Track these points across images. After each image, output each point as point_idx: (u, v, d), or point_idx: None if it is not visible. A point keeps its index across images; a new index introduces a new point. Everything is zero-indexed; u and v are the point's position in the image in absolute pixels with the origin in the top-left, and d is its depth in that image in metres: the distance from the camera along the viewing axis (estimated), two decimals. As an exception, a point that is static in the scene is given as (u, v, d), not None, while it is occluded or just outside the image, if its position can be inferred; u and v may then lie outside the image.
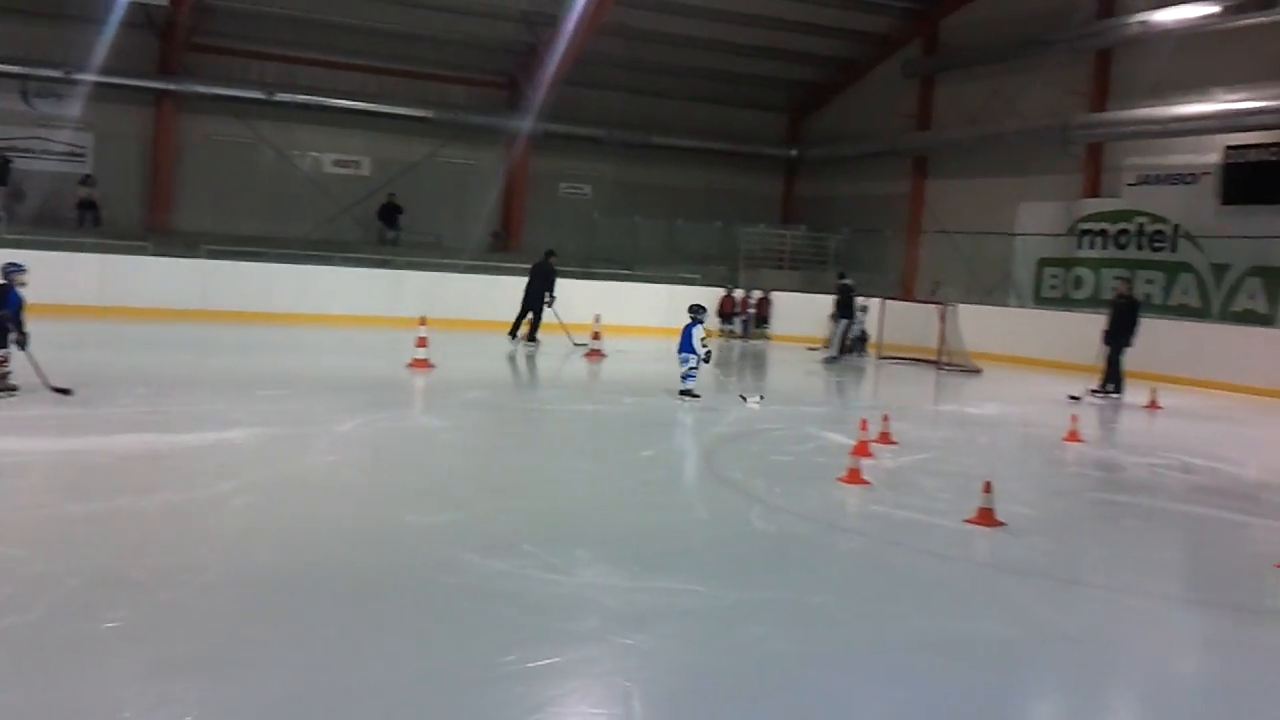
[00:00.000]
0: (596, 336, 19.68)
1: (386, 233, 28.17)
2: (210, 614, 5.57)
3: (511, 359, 18.75)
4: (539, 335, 20.32)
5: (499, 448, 11.30)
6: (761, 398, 14.67)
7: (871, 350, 23.05)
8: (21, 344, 10.99)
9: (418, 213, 28.61)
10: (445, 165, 29.77)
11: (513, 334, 20.39)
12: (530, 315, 20.37)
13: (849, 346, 22.41)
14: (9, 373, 11.07)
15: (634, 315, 23.49)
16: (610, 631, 5.66)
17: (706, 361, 14.34)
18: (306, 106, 27.29)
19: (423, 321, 16.42)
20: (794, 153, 33.61)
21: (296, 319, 21.12)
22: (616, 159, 31.15)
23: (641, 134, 30.71)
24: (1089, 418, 14.25)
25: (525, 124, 28.39)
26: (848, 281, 22.71)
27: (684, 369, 14.24)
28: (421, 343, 15.92)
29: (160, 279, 20.84)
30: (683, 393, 14.22)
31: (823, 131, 33.29)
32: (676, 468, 10.18)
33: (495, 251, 28.28)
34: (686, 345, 14.13)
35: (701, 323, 14.31)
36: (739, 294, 26.40)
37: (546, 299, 20.31)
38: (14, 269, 11.07)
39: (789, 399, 16.06)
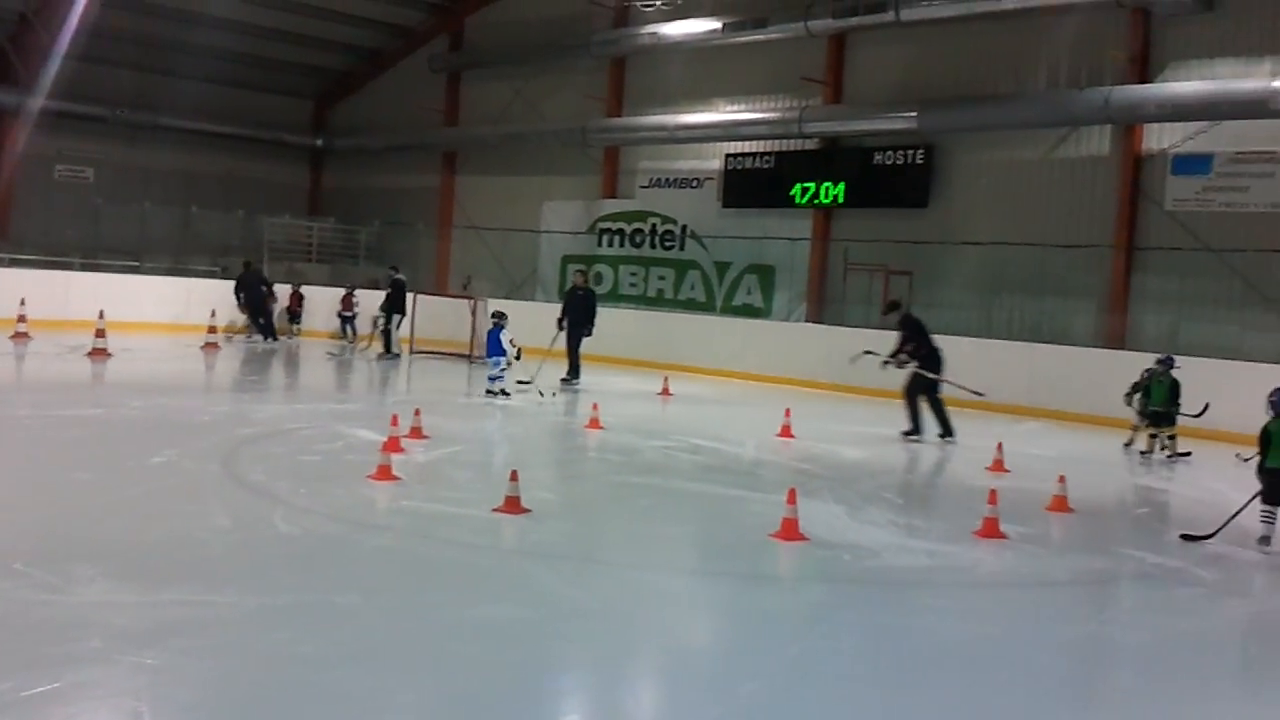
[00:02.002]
0: (101, 334, 18.07)
1: None
2: None
3: None
4: None
5: (-17, 459, 10.06)
6: (554, 393, 16.01)
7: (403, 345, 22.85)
8: None
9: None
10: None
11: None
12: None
13: (370, 342, 22.00)
14: None
15: (143, 311, 21.80)
16: (117, 651, 5.20)
17: (518, 359, 15.68)
18: None
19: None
20: (319, 142, 32.75)
21: None
22: (123, 141, 28.71)
23: (151, 114, 28.48)
24: (608, 407, 15.04)
25: (14, 99, 25.47)
26: (400, 276, 22.47)
27: (494, 371, 15.50)
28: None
29: None
30: (489, 392, 15.49)
31: (350, 122, 32.70)
32: (192, 473, 9.53)
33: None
34: (495, 349, 15.52)
35: (504, 327, 15.69)
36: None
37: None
38: None
39: (318, 397, 15.64)
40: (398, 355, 21.44)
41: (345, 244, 30.65)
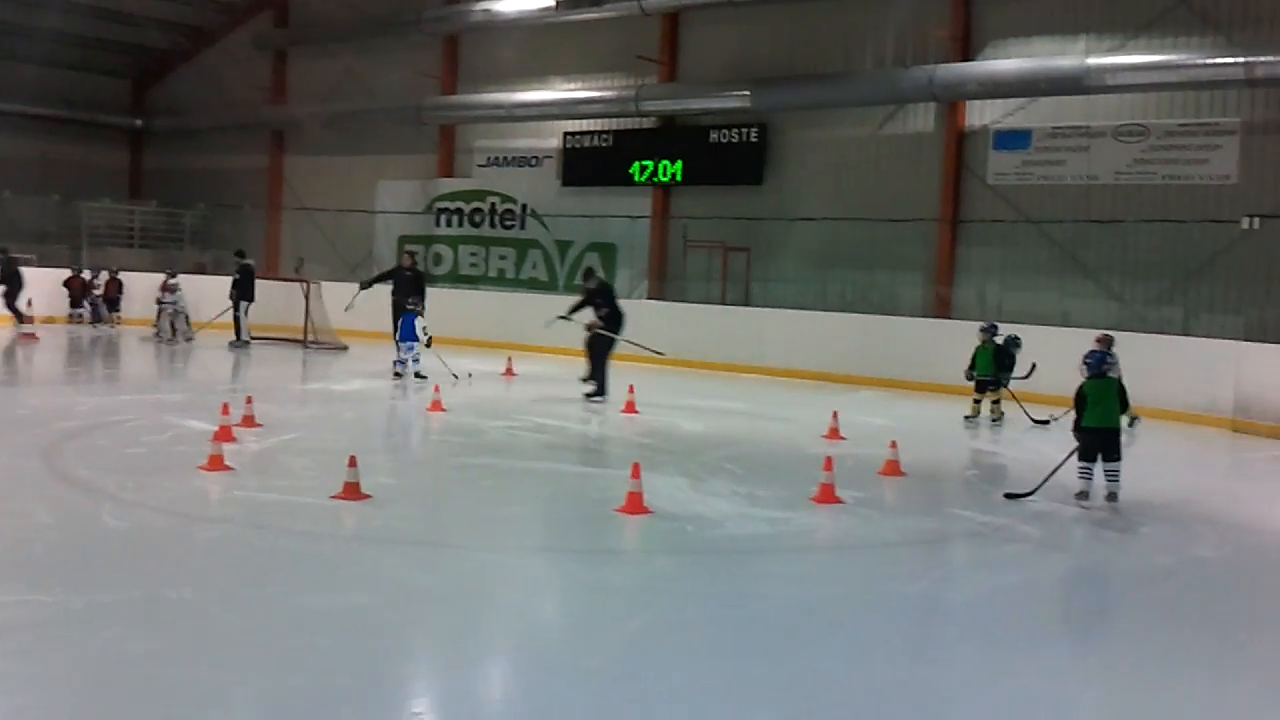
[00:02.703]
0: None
1: None
2: None
3: None
4: None
5: None
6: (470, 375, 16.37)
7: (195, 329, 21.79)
8: None
9: None
10: None
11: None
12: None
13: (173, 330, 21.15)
14: None
15: None
16: (-70, 658, 4.93)
17: (428, 346, 15.95)
18: None
19: None
20: (139, 123, 31.35)
21: None
22: (-77, 122, 27.00)
23: (-47, 96, 26.83)
24: (451, 388, 14.86)
25: None
26: (249, 261, 21.63)
27: (406, 355, 15.99)
28: None
29: None
30: (397, 375, 16.16)
31: (171, 102, 31.38)
32: (10, 469, 9.05)
33: None
34: (409, 334, 15.91)
35: (419, 314, 16.01)
36: (88, 275, 24.07)
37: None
38: None
39: (144, 387, 15.05)
40: (248, 343, 20.69)
41: (169, 228, 29.44)
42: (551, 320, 15.80)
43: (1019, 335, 14.50)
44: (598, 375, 14.97)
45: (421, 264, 25.47)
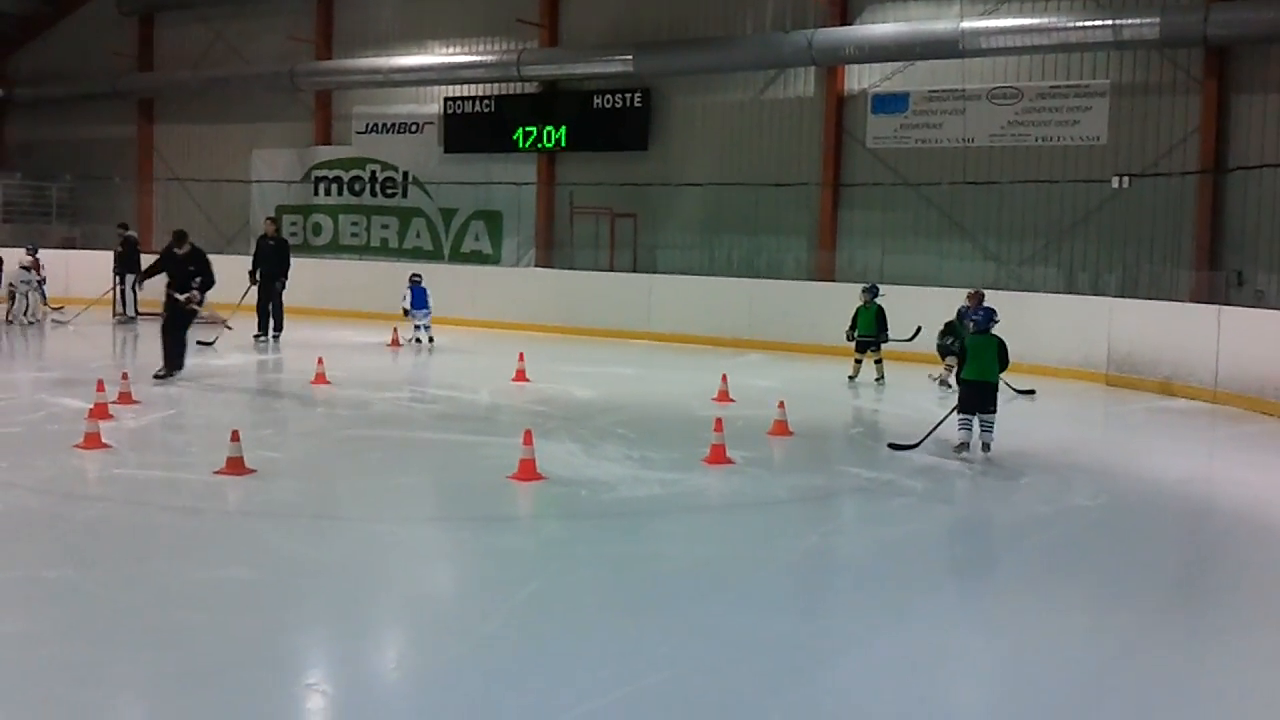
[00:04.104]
0: None
1: None
2: None
3: None
4: None
5: None
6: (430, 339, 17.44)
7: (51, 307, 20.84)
8: None
9: None
10: None
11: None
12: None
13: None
14: None
15: None
16: None
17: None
18: None
19: None
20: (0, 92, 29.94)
21: None
22: None
23: None
24: (335, 360, 14.58)
25: None
26: (132, 234, 20.77)
27: (422, 323, 17.43)
28: None
29: None
30: (416, 340, 17.44)
31: (33, 70, 29.95)
32: None
33: None
34: (422, 302, 17.39)
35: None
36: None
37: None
38: None
39: (12, 365, 14.48)
40: (134, 318, 19.95)
41: (35, 201, 28.25)
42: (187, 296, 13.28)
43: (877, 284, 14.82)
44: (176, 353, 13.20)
45: (300, 235, 25.04)
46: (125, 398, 10.83)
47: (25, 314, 19.72)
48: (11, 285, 19.99)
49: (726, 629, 5.51)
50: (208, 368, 14.41)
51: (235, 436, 8.21)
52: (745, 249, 20.57)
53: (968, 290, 13.29)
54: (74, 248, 24.94)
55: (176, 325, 13.06)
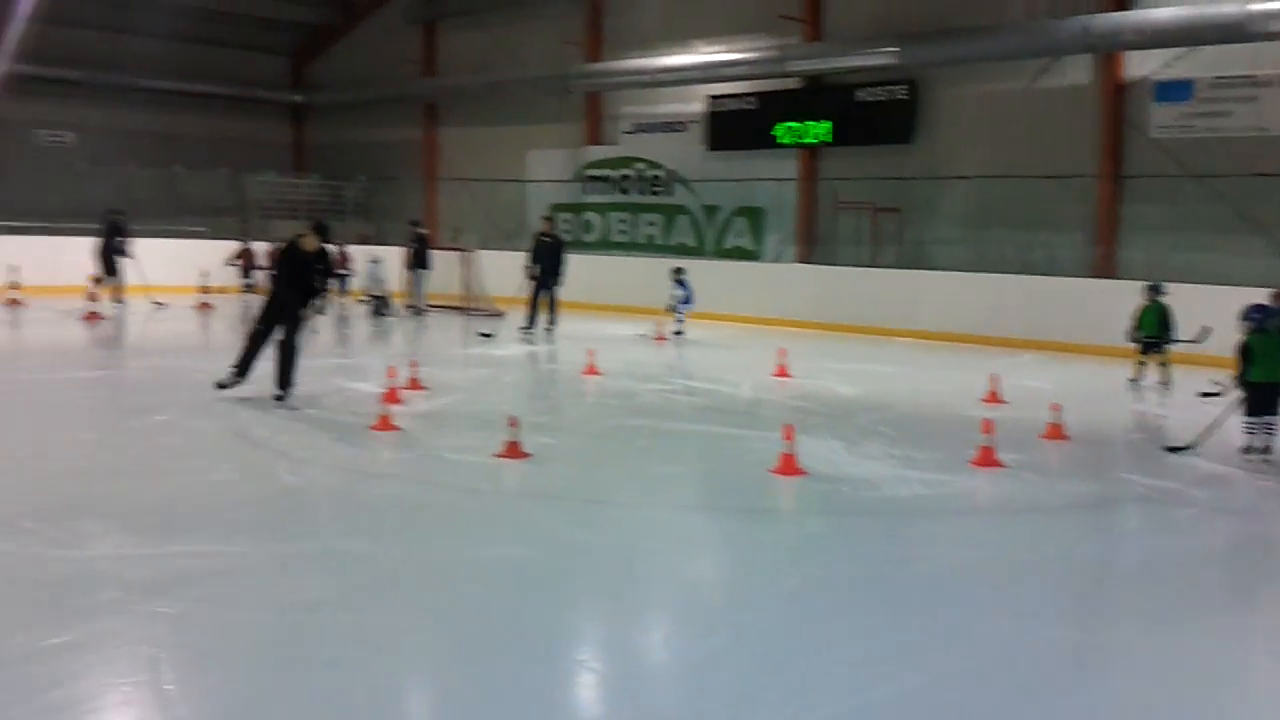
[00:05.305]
0: (94, 299, 18.07)
1: None
2: None
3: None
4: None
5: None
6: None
7: (397, 300, 22.58)
8: None
9: None
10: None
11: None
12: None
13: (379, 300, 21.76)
14: None
15: (130, 273, 21.66)
16: (132, 601, 5.31)
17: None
18: None
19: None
20: (300, 98, 32.44)
21: None
22: (103, 104, 28.37)
23: (127, 76, 28.13)
24: (604, 352, 15.05)
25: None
26: (424, 230, 22.33)
27: (684, 312, 18.15)
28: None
29: None
30: (678, 333, 18.00)
31: (329, 76, 32.35)
32: (194, 430, 9.57)
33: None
34: (689, 294, 18.15)
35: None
36: (257, 247, 24.99)
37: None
38: None
39: (315, 353, 15.64)
40: (424, 310, 21.37)
41: (331, 200, 30.45)
42: None
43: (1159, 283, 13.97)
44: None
45: (572, 232, 25.92)
46: (414, 384, 11.57)
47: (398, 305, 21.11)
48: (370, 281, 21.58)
49: (987, 635, 5.39)
50: (488, 358, 15.20)
51: (513, 422, 8.64)
52: (1017, 244, 19.82)
53: (1271, 290, 12.26)
54: (368, 243, 26.70)
55: (294, 334, 10.86)
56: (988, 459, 8.83)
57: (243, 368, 10.53)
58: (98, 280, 19.72)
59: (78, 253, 20.38)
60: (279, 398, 10.56)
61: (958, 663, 5.00)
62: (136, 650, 4.80)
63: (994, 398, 12.10)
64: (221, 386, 10.45)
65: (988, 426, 9.07)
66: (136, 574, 5.69)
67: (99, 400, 11.20)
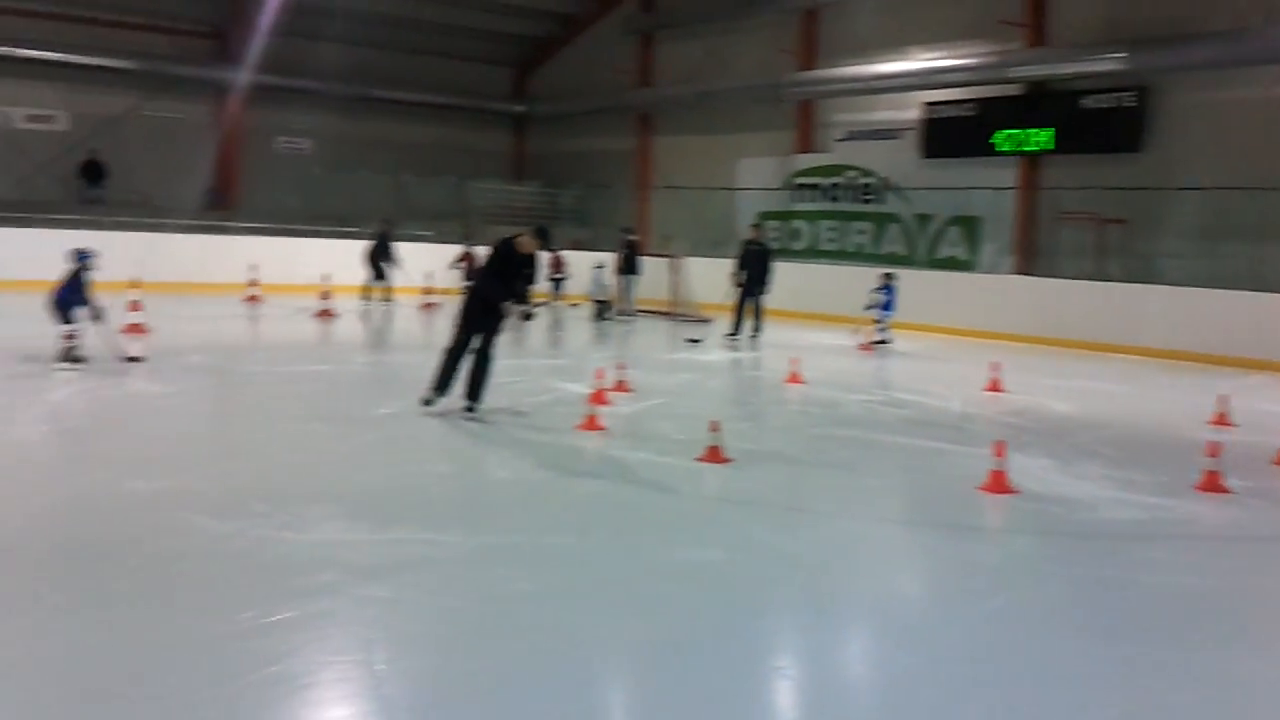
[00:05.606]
0: (326, 296, 19.15)
1: (88, 191, 26.24)
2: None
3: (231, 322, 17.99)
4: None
5: (224, 412, 10.92)
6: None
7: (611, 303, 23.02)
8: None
9: (123, 170, 26.80)
10: (151, 120, 27.97)
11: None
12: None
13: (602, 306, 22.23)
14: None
15: (362, 275, 22.83)
16: (349, 584, 5.62)
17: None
18: (-7, 57, 25.05)
19: (135, 285, 15.55)
20: (521, 108, 33.53)
21: (-9, 286, 19.48)
22: (338, 113, 30.12)
23: (361, 87, 29.79)
24: (809, 361, 14.97)
25: (236, 76, 27.06)
26: (634, 237, 22.88)
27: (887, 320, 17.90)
28: (135, 306, 15.06)
29: None
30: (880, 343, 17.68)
31: (549, 87, 33.36)
32: (414, 423, 10.04)
33: (213, 210, 26.86)
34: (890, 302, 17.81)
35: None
36: (479, 250, 25.94)
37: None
38: (85, 256, 12.08)
39: (530, 353, 16.19)
40: (634, 315, 21.83)
41: (548, 207, 31.34)
42: None
43: None
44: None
45: (780, 240, 25.86)
46: (620, 386, 11.82)
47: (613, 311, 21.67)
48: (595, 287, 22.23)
49: (1197, 666, 5.14)
50: (694, 363, 15.37)
51: (715, 427, 8.73)
52: (1251, 259, 18.68)
53: None
54: (581, 249, 27.33)
55: (491, 342, 10.40)
56: (1213, 484, 8.38)
57: (442, 384, 10.32)
58: (367, 289, 21.55)
59: (313, 253, 21.65)
60: (469, 409, 10.18)
61: (1161, 694, 4.79)
62: (351, 631, 5.08)
63: (1222, 420, 11.45)
64: (426, 404, 10.32)
65: (1214, 450, 8.59)
66: (354, 558, 6.03)
67: (327, 393, 11.87)
